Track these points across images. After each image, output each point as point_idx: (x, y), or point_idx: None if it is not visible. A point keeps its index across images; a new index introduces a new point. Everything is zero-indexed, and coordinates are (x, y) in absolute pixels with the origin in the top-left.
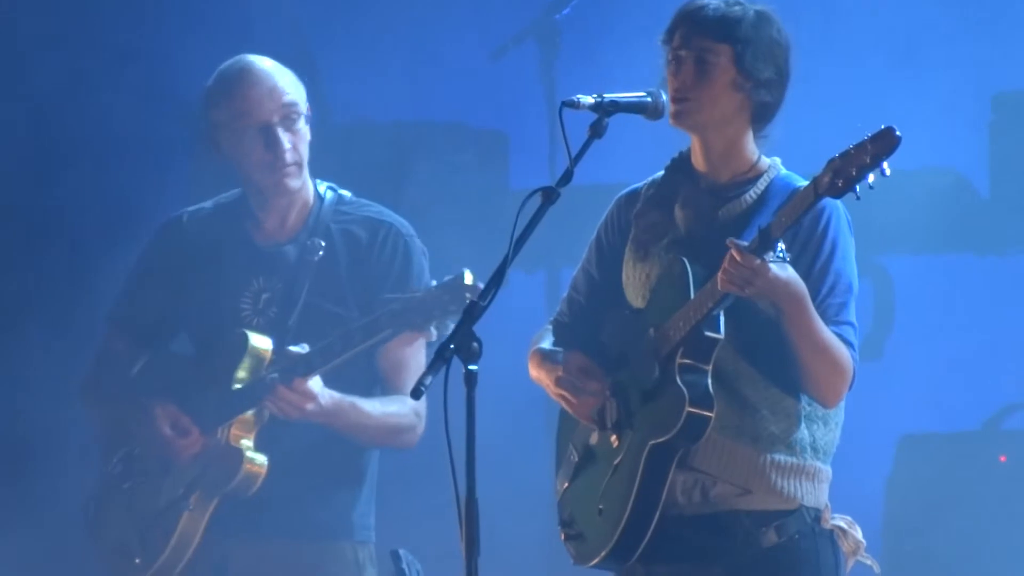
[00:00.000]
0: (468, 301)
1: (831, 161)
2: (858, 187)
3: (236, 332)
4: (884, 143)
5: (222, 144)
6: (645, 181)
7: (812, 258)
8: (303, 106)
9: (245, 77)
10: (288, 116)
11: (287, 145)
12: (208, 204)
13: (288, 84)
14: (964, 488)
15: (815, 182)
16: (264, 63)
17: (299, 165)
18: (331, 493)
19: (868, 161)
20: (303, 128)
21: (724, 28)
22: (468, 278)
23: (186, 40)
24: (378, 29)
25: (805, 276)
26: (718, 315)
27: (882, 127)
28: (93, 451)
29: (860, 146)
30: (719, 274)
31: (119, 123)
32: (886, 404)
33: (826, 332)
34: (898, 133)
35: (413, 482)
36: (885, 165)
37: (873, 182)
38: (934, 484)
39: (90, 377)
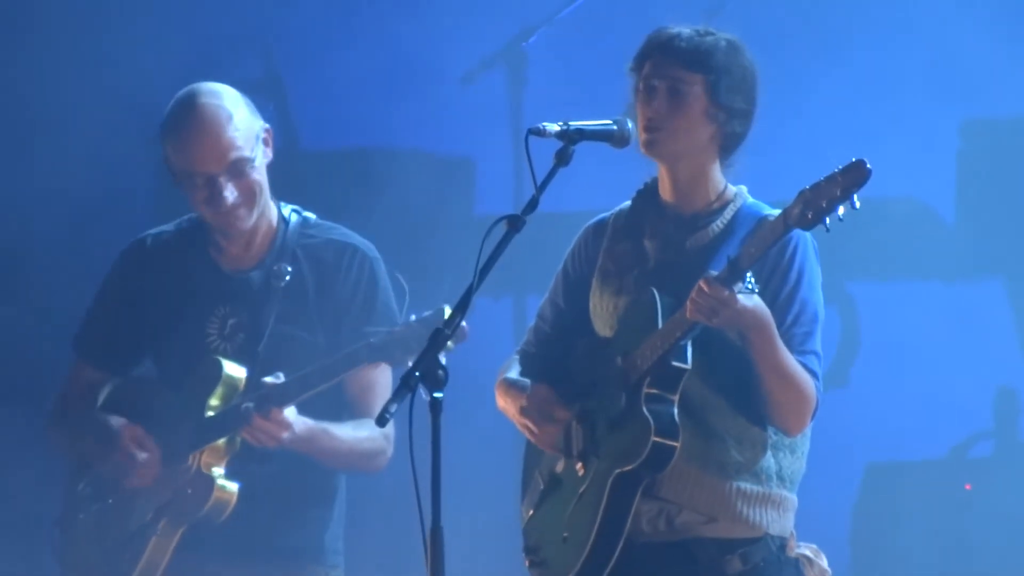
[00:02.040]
0: (448, 338)
1: (802, 193)
2: (828, 219)
3: (210, 360)
4: (855, 175)
5: (174, 176)
6: (612, 211)
7: (778, 286)
8: (255, 147)
9: (191, 125)
10: (234, 167)
11: (229, 197)
12: (170, 227)
13: (238, 132)
14: (930, 517)
15: (785, 214)
16: (213, 108)
17: (248, 206)
18: (302, 518)
19: (839, 193)
20: (255, 170)
21: (698, 58)
22: (447, 313)
23: (154, 59)
24: (346, 54)
25: (771, 304)
26: (686, 345)
27: (853, 160)
28: (60, 472)
29: (831, 178)
30: (687, 303)
31: (81, 132)
32: (852, 432)
33: (791, 361)
34: (869, 166)
35: (380, 509)
36: (855, 197)
37: (843, 214)
38: (900, 512)
39: (58, 404)
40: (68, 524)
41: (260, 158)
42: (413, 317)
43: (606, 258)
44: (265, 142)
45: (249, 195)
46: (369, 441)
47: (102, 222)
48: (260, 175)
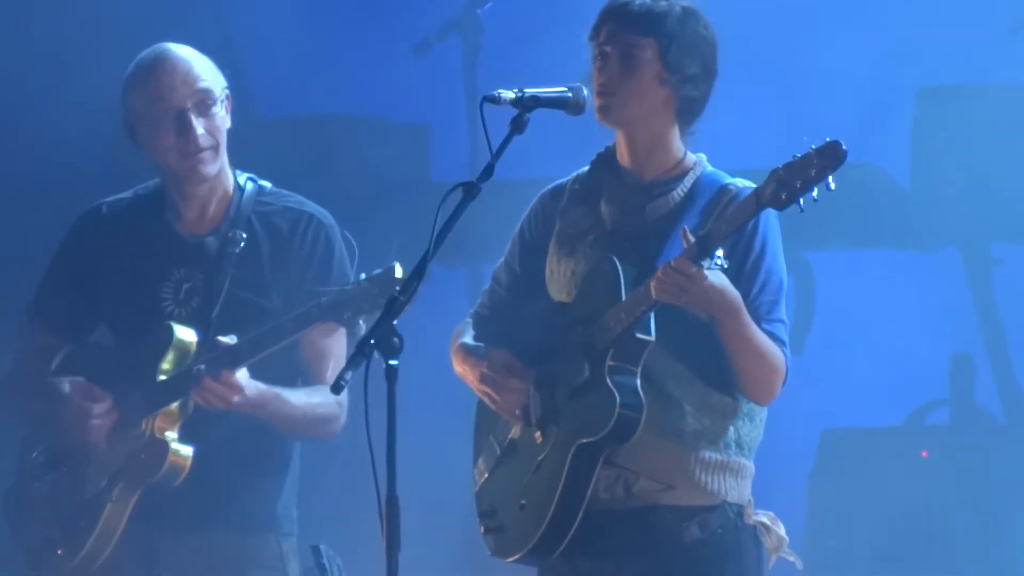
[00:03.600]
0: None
1: (775, 172)
2: (802, 200)
3: (162, 324)
4: (830, 156)
5: (138, 131)
6: (570, 176)
7: (743, 256)
8: (219, 92)
9: (160, 63)
10: (203, 102)
11: (200, 130)
12: (127, 194)
13: (204, 71)
14: (886, 484)
15: (758, 193)
16: (181, 51)
17: (214, 150)
18: (256, 485)
19: (813, 174)
20: (220, 114)
21: (649, 23)
22: (398, 271)
23: (105, 31)
24: (300, 22)
25: (737, 274)
26: (649, 317)
27: (828, 140)
28: (13, 441)
29: (805, 158)
30: (653, 281)
31: (35, 115)
32: (808, 399)
33: (760, 336)
34: (845, 147)
35: (334, 477)
36: (830, 179)
37: (817, 196)
38: (856, 479)
39: (10, 372)
40: (22, 493)
41: (223, 112)
42: (364, 276)
43: (563, 222)
44: (227, 103)
45: (215, 137)
46: (323, 407)
47: (58, 198)
48: (224, 125)
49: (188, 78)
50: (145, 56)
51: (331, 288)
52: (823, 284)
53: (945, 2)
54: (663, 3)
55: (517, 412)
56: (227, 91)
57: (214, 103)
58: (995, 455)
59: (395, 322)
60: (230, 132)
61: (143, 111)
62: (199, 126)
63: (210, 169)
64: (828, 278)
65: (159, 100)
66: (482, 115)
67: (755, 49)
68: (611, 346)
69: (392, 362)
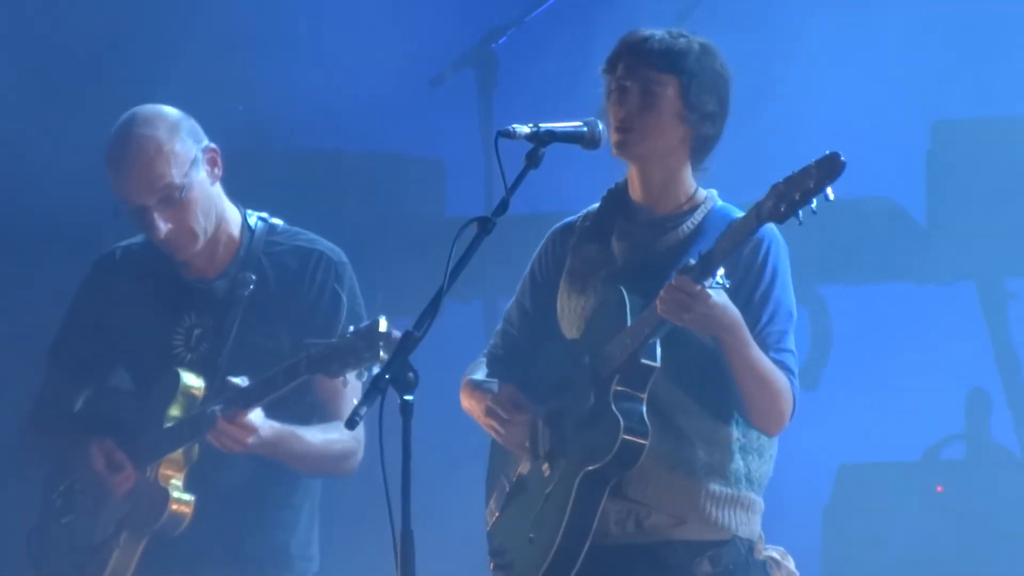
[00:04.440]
0: (382, 349)
1: (775, 186)
2: (801, 212)
3: (169, 371)
4: (829, 168)
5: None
6: (580, 213)
7: (752, 286)
8: (185, 176)
9: (121, 159)
10: (165, 197)
11: (163, 229)
12: (139, 239)
13: (164, 162)
14: (902, 519)
15: (758, 207)
16: (146, 132)
17: (188, 234)
18: (268, 526)
19: (812, 186)
20: (190, 197)
21: (671, 60)
22: (383, 325)
23: (121, 58)
24: (315, 56)
25: (745, 304)
26: (655, 343)
27: (827, 152)
28: (37, 478)
29: (805, 171)
30: (657, 300)
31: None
32: (824, 434)
33: (765, 361)
34: (843, 158)
35: (349, 511)
36: (829, 190)
37: (816, 208)
38: (872, 515)
39: (33, 411)
40: (42, 534)
41: (200, 182)
42: (352, 329)
43: (573, 259)
44: (211, 162)
45: (183, 224)
46: (339, 443)
47: (74, 236)
48: (200, 199)
49: (145, 177)
50: (115, 135)
51: (319, 340)
52: (839, 318)
53: (961, 35)
54: (683, 40)
55: (525, 445)
56: (210, 148)
57: (178, 192)
58: (1011, 490)
59: (409, 357)
60: (241, 167)
61: (115, 193)
62: (163, 222)
63: (186, 252)
64: (844, 312)
65: (122, 193)
66: (497, 150)
67: (769, 83)
68: (616, 372)
69: (407, 397)
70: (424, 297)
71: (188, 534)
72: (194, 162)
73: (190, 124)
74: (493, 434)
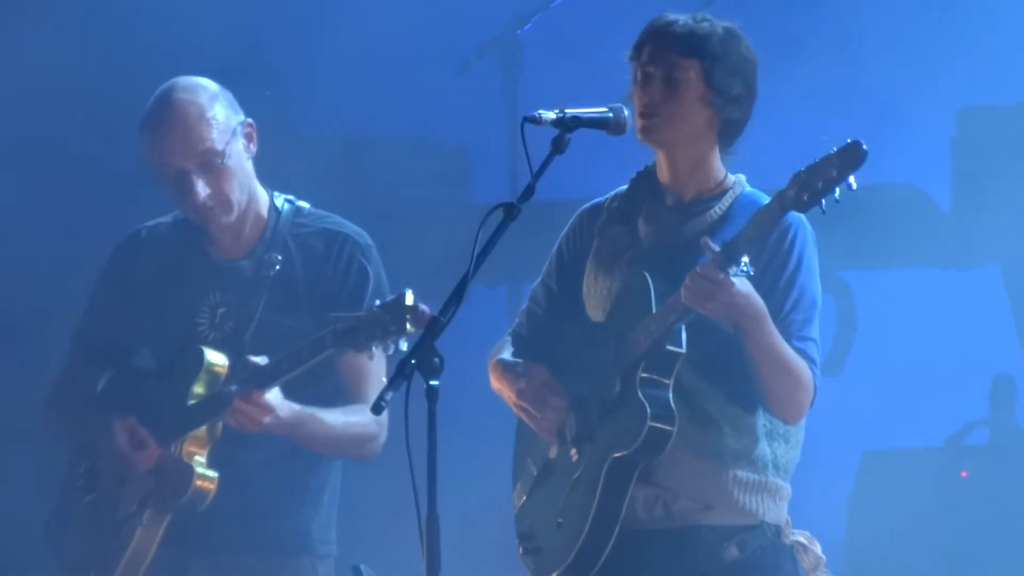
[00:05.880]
0: (408, 322)
1: (797, 175)
2: (824, 201)
3: (193, 348)
4: (851, 157)
5: (154, 173)
6: (608, 195)
7: (777, 273)
8: (229, 136)
9: (160, 120)
10: (207, 162)
11: (201, 193)
12: (167, 219)
13: (206, 126)
14: (926, 504)
15: (780, 196)
16: (187, 97)
17: (224, 203)
18: (290, 507)
19: (835, 175)
20: (230, 164)
21: (693, 44)
22: (409, 298)
23: (144, 52)
24: (340, 42)
25: (770, 290)
26: (680, 329)
27: (849, 140)
28: (57, 464)
29: (827, 159)
30: (682, 288)
31: (75, 123)
32: (848, 420)
33: (786, 350)
34: (865, 147)
35: (375, 496)
36: (852, 179)
37: (840, 196)
38: (896, 500)
39: (54, 393)
40: (63, 513)
41: (237, 153)
42: (378, 302)
43: (600, 240)
44: (248, 136)
45: (221, 192)
46: (360, 426)
47: (102, 218)
48: (237, 170)
49: (188, 139)
50: (154, 104)
51: (345, 315)
52: (863, 304)
53: (985, 22)
54: (706, 24)
55: (554, 429)
56: (248, 123)
57: (218, 158)
58: None
59: (435, 342)
60: (267, 153)
61: (150, 160)
62: (203, 187)
63: (223, 221)
64: (868, 298)
65: (161, 157)
66: (523, 135)
67: (794, 69)
68: (642, 359)
69: (433, 382)
70: (449, 283)
71: (209, 512)
72: (234, 132)
73: (229, 96)
74: (525, 417)
